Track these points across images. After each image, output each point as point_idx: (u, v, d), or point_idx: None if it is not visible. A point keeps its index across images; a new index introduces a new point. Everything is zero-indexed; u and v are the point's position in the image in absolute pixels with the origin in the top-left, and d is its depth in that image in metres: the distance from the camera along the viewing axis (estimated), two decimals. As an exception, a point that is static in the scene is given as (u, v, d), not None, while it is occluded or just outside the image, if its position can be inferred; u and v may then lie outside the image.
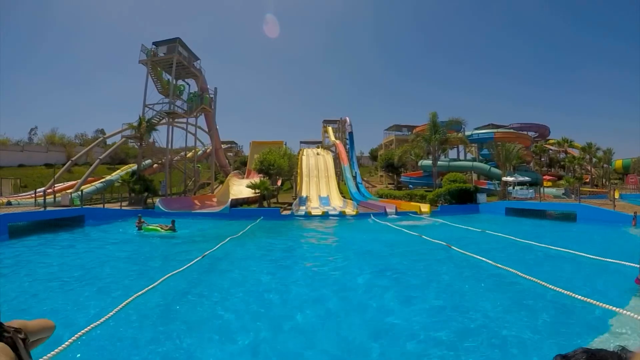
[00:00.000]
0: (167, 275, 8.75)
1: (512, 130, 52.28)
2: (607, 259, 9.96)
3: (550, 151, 69.24)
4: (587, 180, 58.73)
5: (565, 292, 6.85)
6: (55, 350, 4.26)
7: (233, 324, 6.23)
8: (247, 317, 6.56)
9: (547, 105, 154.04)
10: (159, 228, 17.73)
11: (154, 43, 37.43)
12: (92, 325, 5.42)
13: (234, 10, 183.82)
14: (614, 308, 5.88)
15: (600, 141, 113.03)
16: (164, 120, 37.27)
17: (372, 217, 26.23)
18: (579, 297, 6.49)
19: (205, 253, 11.99)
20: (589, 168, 62.35)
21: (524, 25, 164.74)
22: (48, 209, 22.61)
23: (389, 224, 21.44)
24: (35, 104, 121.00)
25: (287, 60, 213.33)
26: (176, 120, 39.69)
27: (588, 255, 10.50)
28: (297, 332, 5.97)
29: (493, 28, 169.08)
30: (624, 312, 5.78)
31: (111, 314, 5.91)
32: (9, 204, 27.14)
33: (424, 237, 15.70)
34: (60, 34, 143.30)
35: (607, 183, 56.63)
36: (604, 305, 5.98)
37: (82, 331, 5.10)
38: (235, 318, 6.48)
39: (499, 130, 49.46)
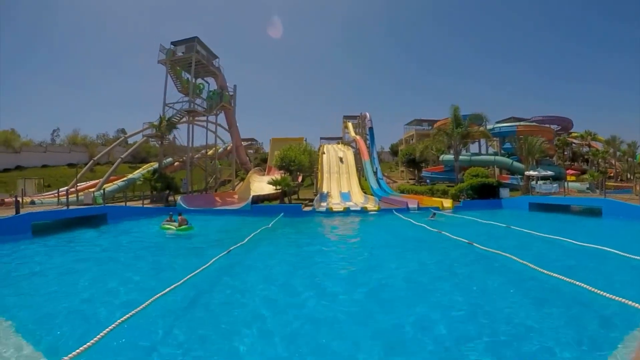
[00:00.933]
0: (194, 272, 8.67)
1: (534, 124, 51.33)
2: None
3: (574, 144, 67.81)
4: (612, 174, 57.26)
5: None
6: (87, 344, 4.33)
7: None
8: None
9: (569, 98, 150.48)
10: (172, 227, 17.70)
11: (172, 43, 37.77)
12: (125, 317, 5.41)
13: (251, 8, 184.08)
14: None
15: (624, 134, 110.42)
16: (184, 119, 37.64)
17: (395, 212, 25.99)
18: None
19: (231, 248, 11.97)
20: (613, 162, 60.84)
21: (548, 16, 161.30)
22: (71, 207, 22.88)
23: (412, 221, 20.98)
24: (57, 106, 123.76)
25: (305, 56, 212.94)
26: (196, 118, 40.00)
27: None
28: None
29: (515, 19, 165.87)
30: None
31: (141, 307, 5.85)
32: (32, 203, 27.61)
33: (445, 233, 15.36)
34: (80, 36, 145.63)
35: (631, 177, 55.09)
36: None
37: (114, 324, 5.08)
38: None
39: (521, 123, 48.52)
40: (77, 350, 4.14)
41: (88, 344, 4.34)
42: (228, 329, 5.74)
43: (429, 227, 17.67)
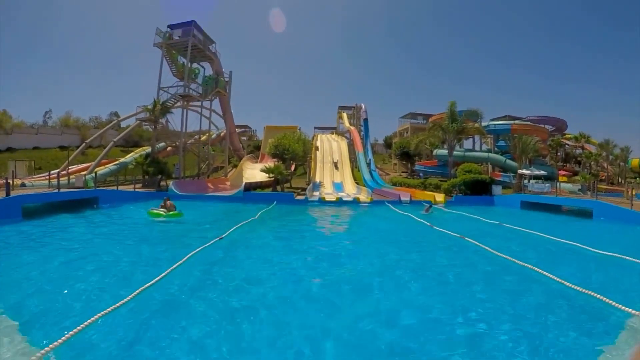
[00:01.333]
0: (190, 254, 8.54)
1: (529, 123, 51.46)
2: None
3: (567, 146, 68.20)
4: (603, 177, 57.74)
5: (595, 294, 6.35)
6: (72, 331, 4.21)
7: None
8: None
9: (564, 99, 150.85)
10: (161, 212, 16.82)
11: (169, 26, 37.34)
12: (126, 300, 5.36)
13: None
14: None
15: (617, 137, 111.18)
16: (178, 104, 37.30)
17: (387, 204, 26.01)
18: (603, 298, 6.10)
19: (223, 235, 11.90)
20: (605, 165, 61.27)
21: (545, 17, 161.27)
22: (62, 190, 22.58)
23: (409, 214, 20.95)
24: (50, 87, 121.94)
25: (303, 46, 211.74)
26: (191, 103, 39.70)
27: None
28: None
29: (513, 20, 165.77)
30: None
31: (137, 292, 5.75)
32: (23, 185, 27.27)
33: (436, 228, 15.36)
34: (74, 16, 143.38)
35: (622, 181, 55.54)
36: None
37: (109, 309, 4.98)
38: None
39: (516, 122, 48.62)
40: (55, 343, 3.91)
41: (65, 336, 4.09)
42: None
43: (426, 222, 17.44)
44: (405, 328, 5.40)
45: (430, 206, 22.29)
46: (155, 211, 16.98)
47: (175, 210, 17.08)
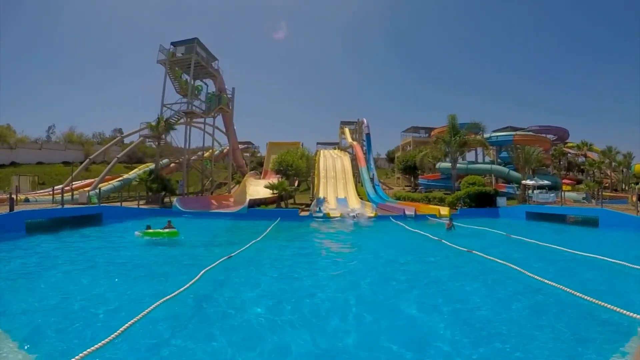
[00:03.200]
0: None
1: (531, 133, 51.46)
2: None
3: (569, 155, 68.09)
4: (607, 184, 57.51)
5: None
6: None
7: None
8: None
9: (565, 108, 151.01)
10: (160, 231, 15.76)
11: (172, 43, 37.78)
12: (132, 322, 5.34)
13: (251, 11, 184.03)
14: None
15: (619, 145, 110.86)
16: (182, 120, 37.49)
17: (392, 219, 25.92)
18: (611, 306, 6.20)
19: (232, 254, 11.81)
20: (608, 172, 61.10)
21: (544, 27, 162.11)
22: (66, 206, 22.64)
23: (417, 230, 20.69)
24: (54, 103, 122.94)
25: (303, 61, 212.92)
26: (194, 120, 39.91)
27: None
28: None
29: (512, 30, 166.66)
30: None
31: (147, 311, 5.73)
32: (26, 200, 27.36)
33: (445, 242, 15.18)
34: (77, 33, 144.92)
35: (626, 187, 55.34)
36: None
37: (123, 328, 5.01)
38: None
39: (518, 132, 48.64)
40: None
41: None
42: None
43: (432, 237, 17.02)
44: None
45: (451, 221, 20.17)
46: (152, 231, 15.77)
47: (170, 226, 16.27)
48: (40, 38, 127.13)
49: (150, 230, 15.84)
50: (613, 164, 59.47)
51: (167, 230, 15.87)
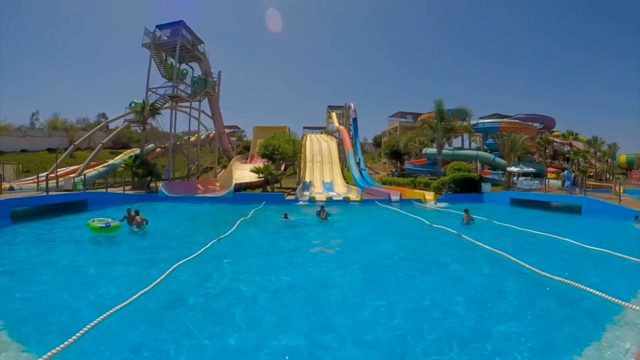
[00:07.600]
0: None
1: (517, 121, 51.78)
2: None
3: (555, 143, 68.79)
4: (591, 174, 58.30)
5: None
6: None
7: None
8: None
9: (552, 97, 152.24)
10: (98, 225, 12.79)
11: (157, 26, 37.06)
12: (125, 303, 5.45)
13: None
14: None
15: (605, 135, 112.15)
16: (167, 104, 37.07)
17: (377, 203, 26.09)
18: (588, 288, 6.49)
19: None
20: (593, 162, 61.96)
21: (531, 16, 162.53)
22: (51, 193, 22.36)
23: (400, 210, 21.00)
24: (37, 89, 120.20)
25: (291, 46, 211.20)
26: (179, 104, 39.50)
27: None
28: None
29: (502, 18, 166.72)
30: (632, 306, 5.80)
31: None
32: (11, 189, 26.89)
33: (428, 223, 15.41)
34: (60, 17, 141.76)
35: (610, 177, 56.15)
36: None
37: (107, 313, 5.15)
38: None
39: (505, 120, 48.91)
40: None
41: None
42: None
43: (426, 221, 17.17)
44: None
45: (467, 212, 16.68)
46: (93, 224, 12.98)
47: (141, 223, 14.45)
48: (21, 23, 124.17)
49: (94, 225, 12.92)
50: (598, 154, 60.32)
51: (109, 224, 13.00)
